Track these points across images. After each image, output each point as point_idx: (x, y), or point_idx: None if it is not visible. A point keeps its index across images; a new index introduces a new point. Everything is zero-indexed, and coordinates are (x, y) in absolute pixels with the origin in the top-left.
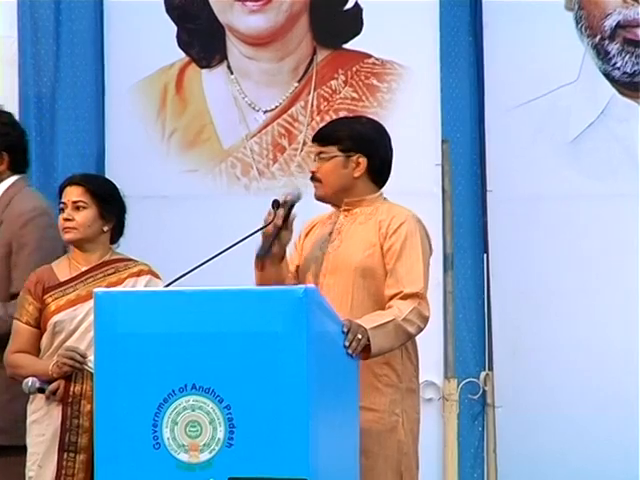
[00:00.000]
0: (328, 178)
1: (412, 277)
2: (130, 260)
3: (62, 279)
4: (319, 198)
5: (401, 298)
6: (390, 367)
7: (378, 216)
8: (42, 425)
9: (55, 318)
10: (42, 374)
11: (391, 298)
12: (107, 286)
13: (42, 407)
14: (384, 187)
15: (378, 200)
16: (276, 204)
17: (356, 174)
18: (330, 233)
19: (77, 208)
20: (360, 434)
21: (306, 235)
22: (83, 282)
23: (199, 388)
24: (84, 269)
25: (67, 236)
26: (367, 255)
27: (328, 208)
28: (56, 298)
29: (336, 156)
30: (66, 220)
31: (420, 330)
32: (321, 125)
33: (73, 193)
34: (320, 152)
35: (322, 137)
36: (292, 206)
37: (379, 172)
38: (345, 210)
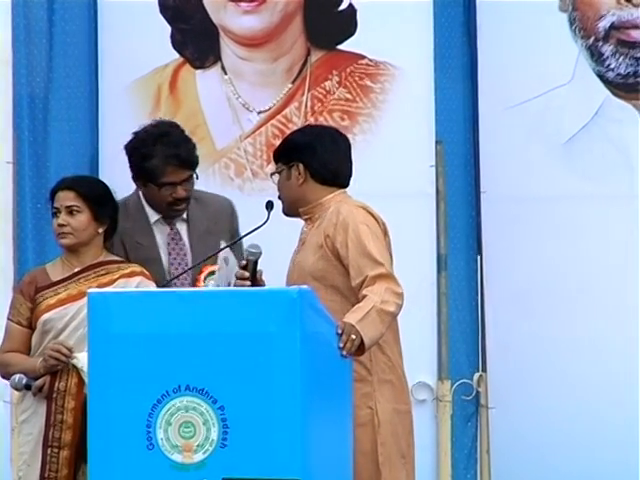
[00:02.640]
0: (281, 193)
1: (369, 261)
2: (122, 262)
3: (55, 279)
4: (284, 214)
5: (369, 284)
6: (358, 362)
7: (327, 217)
8: (30, 424)
9: (45, 317)
10: (30, 371)
11: (360, 288)
12: (98, 286)
13: (31, 406)
14: (347, 187)
15: (334, 200)
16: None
17: (299, 182)
18: (301, 244)
19: (71, 213)
20: None
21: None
22: (75, 282)
23: (193, 389)
24: (77, 269)
25: (63, 241)
26: (317, 258)
27: None
28: (47, 297)
29: (281, 170)
30: (61, 225)
31: (399, 307)
32: None
33: (66, 198)
34: (273, 172)
35: (272, 157)
36: (256, 262)
37: (322, 174)
38: (306, 219)
